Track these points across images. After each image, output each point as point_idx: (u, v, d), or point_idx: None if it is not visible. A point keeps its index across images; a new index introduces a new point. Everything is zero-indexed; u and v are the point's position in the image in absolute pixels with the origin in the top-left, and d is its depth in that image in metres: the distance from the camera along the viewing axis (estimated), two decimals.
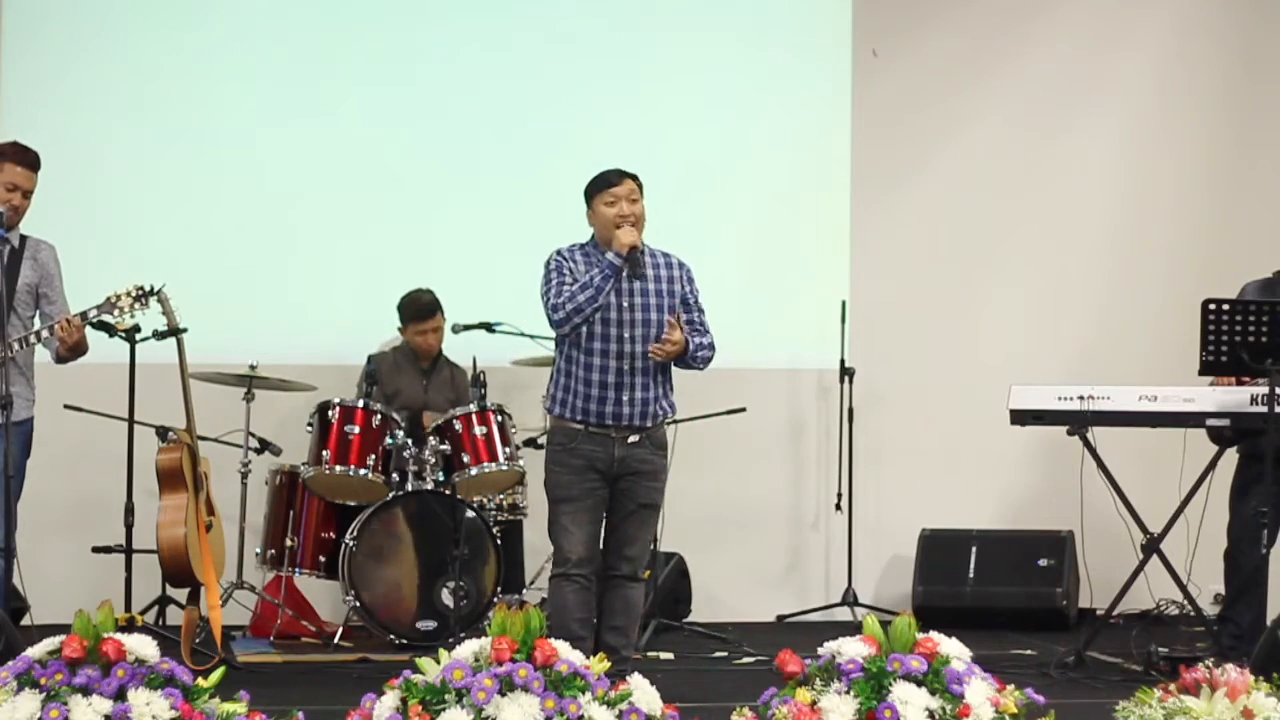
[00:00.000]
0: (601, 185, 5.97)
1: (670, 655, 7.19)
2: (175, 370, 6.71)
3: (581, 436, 5.90)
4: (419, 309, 7.87)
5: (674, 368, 6.04)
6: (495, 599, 7.25)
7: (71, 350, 6.21)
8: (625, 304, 5.90)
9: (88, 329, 6.22)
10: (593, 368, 5.89)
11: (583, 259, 5.96)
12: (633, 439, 5.92)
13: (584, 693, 3.84)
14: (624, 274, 5.87)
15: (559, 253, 5.98)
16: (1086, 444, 6.73)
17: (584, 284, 5.84)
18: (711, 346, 6.05)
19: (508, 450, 7.34)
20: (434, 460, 7.33)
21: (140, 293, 6.21)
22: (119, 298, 6.19)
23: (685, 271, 6.08)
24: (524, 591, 7.74)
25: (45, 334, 6.16)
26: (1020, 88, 8.77)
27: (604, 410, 5.88)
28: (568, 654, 3.90)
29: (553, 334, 6.08)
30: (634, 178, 5.99)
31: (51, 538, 7.52)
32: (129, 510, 7.01)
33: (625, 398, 5.88)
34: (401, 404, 7.68)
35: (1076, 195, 8.74)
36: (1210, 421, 6.54)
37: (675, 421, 7.40)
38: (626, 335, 5.89)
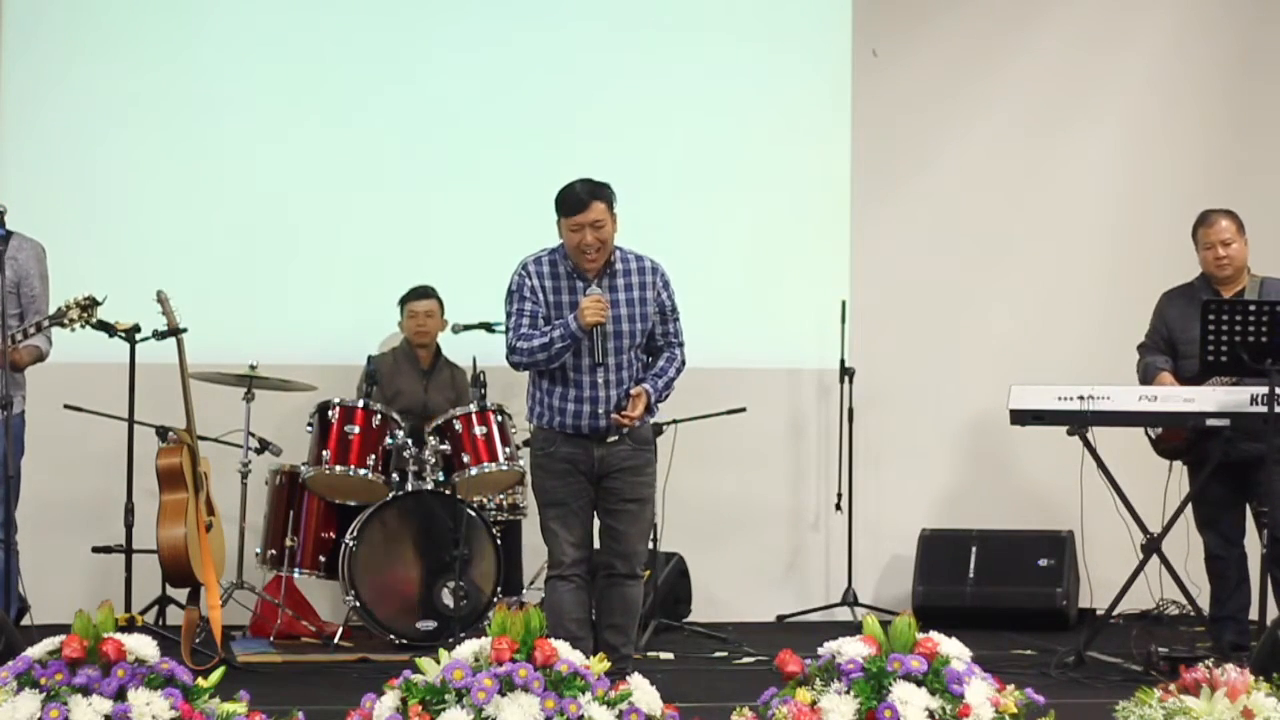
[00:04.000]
0: (565, 210, 5.78)
1: (670, 655, 7.19)
2: (175, 370, 6.72)
3: (560, 440, 5.85)
4: (415, 289, 7.94)
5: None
6: (495, 599, 7.25)
7: (14, 367, 6.14)
8: None
9: (89, 330, 6.20)
10: (567, 380, 5.82)
11: (549, 273, 5.82)
12: (612, 439, 5.86)
13: (584, 693, 3.84)
14: (592, 285, 5.76)
15: (524, 268, 5.85)
16: (1086, 444, 6.73)
17: (544, 343, 5.74)
18: (682, 363, 5.96)
19: (508, 450, 7.35)
20: (434, 460, 7.33)
21: (89, 302, 6.12)
22: (69, 307, 6.13)
23: (660, 276, 5.92)
24: (524, 591, 7.74)
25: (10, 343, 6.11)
26: (1020, 88, 8.76)
27: (579, 423, 5.82)
28: (568, 654, 3.90)
29: None
30: (602, 197, 5.75)
31: (51, 538, 7.51)
32: (129, 510, 7.00)
33: (600, 411, 5.81)
34: (402, 405, 7.68)
35: (1076, 195, 8.73)
36: (1210, 422, 6.54)
37: (675, 421, 7.41)
38: (599, 347, 5.79)
